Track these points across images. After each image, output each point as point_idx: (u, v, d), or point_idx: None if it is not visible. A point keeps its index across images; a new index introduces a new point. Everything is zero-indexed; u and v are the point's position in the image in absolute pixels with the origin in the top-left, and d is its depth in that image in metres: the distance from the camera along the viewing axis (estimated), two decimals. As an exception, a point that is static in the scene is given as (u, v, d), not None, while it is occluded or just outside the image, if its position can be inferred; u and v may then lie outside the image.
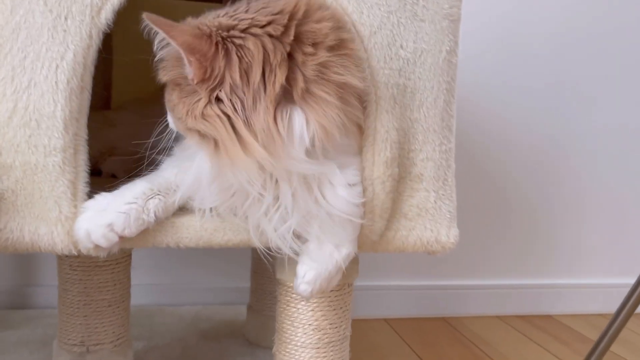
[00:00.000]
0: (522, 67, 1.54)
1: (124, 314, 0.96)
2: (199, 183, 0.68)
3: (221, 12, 0.65)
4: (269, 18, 0.62)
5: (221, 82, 0.61)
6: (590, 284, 1.66)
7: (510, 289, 1.61)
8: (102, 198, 0.67)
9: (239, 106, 0.61)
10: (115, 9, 0.67)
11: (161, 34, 0.61)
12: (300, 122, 0.62)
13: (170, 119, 0.69)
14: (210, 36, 0.61)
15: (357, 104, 0.67)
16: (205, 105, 0.61)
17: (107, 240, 0.65)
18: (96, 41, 0.67)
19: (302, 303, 0.79)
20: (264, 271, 1.19)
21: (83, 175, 0.68)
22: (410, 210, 0.76)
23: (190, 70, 0.61)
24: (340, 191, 0.69)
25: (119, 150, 1.07)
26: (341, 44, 0.64)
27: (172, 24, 0.61)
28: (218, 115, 0.61)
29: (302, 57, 0.61)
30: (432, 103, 0.75)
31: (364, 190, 0.73)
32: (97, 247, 0.66)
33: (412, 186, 0.76)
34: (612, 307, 1.08)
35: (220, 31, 0.61)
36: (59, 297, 0.94)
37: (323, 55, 0.61)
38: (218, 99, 0.61)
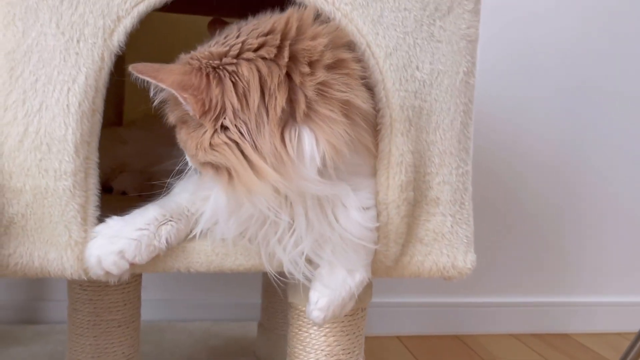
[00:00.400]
0: (535, 81, 1.52)
1: (134, 334, 0.95)
2: (216, 218, 0.67)
3: (212, 41, 0.65)
4: (261, 40, 0.61)
5: (223, 110, 0.60)
6: (609, 302, 1.63)
7: (525, 306, 1.58)
8: (113, 223, 0.66)
9: (244, 130, 0.60)
10: (128, 31, 0.66)
11: (150, 81, 0.61)
12: (309, 142, 0.61)
13: (187, 157, 0.69)
14: (200, 69, 0.61)
15: (364, 125, 0.66)
16: (212, 136, 0.61)
17: (118, 267, 0.64)
18: (108, 63, 0.66)
19: (314, 328, 0.78)
20: (275, 289, 1.17)
21: (93, 199, 0.67)
22: (427, 235, 0.75)
23: (189, 107, 0.61)
24: (354, 214, 0.68)
25: (129, 167, 1.06)
26: (341, 63, 0.63)
27: (158, 68, 0.61)
28: (226, 143, 0.60)
29: (299, 78, 0.60)
30: (449, 125, 0.73)
31: (378, 215, 0.71)
32: (107, 273, 0.65)
33: (428, 210, 0.74)
34: (631, 326, 1.05)
35: (210, 61, 0.61)
36: (69, 316, 0.93)
37: (322, 74, 0.61)
38: (224, 127, 0.61)
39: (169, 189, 0.74)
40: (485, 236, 1.52)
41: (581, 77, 1.54)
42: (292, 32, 0.62)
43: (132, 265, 0.65)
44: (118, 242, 0.64)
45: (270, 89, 0.60)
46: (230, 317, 1.43)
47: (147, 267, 0.68)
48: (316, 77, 0.61)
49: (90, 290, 0.90)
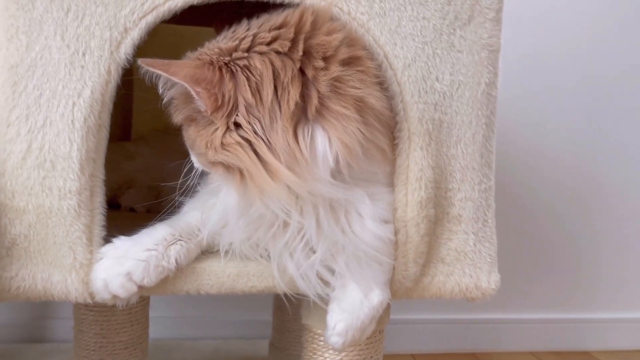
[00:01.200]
0: (549, 96, 1.49)
1: (141, 356, 0.92)
2: (226, 219, 0.65)
3: (219, 37, 0.63)
4: (274, 34, 0.59)
5: (235, 106, 0.58)
6: (630, 319, 1.58)
7: (544, 323, 1.54)
8: (120, 243, 0.63)
9: (258, 127, 0.58)
10: (136, 43, 0.63)
11: (161, 75, 0.59)
12: (322, 141, 0.59)
13: (193, 157, 0.66)
14: (211, 63, 0.59)
15: (378, 125, 0.63)
16: (224, 134, 0.59)
17: (126, 290, 0.61)
18: (115, 77, 0.64)
19: (330, 351, 0.74)
20: (287, 308, 1.14)
21: (99, 219, 0.64)
22: (448, 254, 0.71)
23: (201, 102, 0.59)
24: (369, 224, 0.65)
25: (138, 183, 1.04)
26: (356, 60, 0.61)
27: (169, 63, 0.59)
28: (238, 143, 0.58)
29: (313, 72, 0.58)
30: (471, 139, 0.70)
31: (397, 232, 0.68)
32: (114, 297, 0.62)
33: (450, 228, 0.71)
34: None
35: (221, 57, 0.59)
36: (74, 338, 0.90)
37: (336, 69, 0.58)
38: (236, 125, 0.59)
39: (178, 206, 0.71)
40: (501, 252, 1.48)
41: (597, 91, 1.51)
42: (307, 26, 0.60)
43: (140, 287, 0.62)
44: (125, 263, 0.61)
45: (283, 82, 0.58)
46: (240, 335, 1.39)
47: (155, 290, 0.64)
48: (330, 72, 0.58)
49: (97, 311, 0.87)
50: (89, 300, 0.64)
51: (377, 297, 0.67)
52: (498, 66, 0.72)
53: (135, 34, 0.63)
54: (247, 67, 0.58)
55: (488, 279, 0.73)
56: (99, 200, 0.64)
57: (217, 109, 0.58)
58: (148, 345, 0.94)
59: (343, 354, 0.73)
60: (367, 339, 0.74)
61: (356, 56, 0.61)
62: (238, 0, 0.65)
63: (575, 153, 1.52)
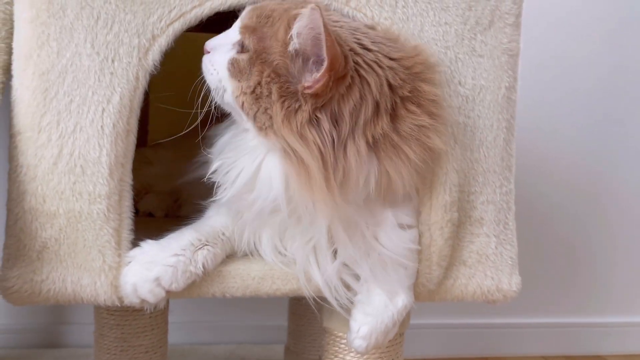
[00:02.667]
0: (566, 102, 1.49)
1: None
2: (254, 186, 0.62)
3: (350, 23, 0.61)
4: (391, 63, 0.59)
5: (329, 108, 0.58)
6: (643, 323, 1.57)
7: (556, 327, 1.53)
8: (149, 247, 0.64)
9: (334, 137, 0.58)
10: (163, 49, 0.65)
11: (320, 35, 0.55)
12: (373, 170, 0.59)
13: (230, 89, 0.62)
14: (346, 58, 0.57)
15: (430, 164, 0.65)
16: (306, 123, 0.57)
17: (154, 295, 0.62)
18: (143, 83, 0.65)
19: (352, 354, 0.74)
20: (303, 312, 1.14)
21: (127, 223, 0.65)
22: (470, 256, 0.72)
23: (311, 79, 0.57)
24: (394, 232, 0.65)
25: (155, 188, 1.05)
26: (442, 111, 0.62)
27: (332, 31, 0.56)
28: (315, 143, 0.57)
29: (404, 112, 0.59)
30: (492, 142, 0.71)
31: (421, 236, 0.69)
32: (143, 301, 0.62)
33: (472, 231, 0.71)
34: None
35: (352, 57, 0.58)
36: (95, 342, 0.91)
37: (424, 119, 0.60)
38: (317, 120, 0.58)
39: (201, 211, 0.72)
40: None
41: (614, 98, 1.51)
42: (417, 70, 0.61)
43: (168, 292, 0.62)
44: (154, 268, 0.61)
45: (380, 110, 0.58)
46: (255, 340, 1.39)
47: (182, 294, 0.65)
48: (418, 119, 0.60)
49: (118, 315, 0.88)
50: (117, 303, 0.65)
51: (401, 301, 0.68)
52: (517, 70, 0.73)
53: (162, 41, 0.64)
54: (364, 80, 0.58)
55: (509, 281, 0.73)
56: (127, 204, 0.65)
57: (316, 95, 0.57)
58: (167, 350, 0.95)
59: (365, 356, 0.74)
60: (389, 341, 0.75)
61: (440, 114, 0.63)
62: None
63: (590, 157, 1.52)
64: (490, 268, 0.73)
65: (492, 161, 0.71)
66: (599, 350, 1.55)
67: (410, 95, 0.60)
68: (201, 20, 0.66)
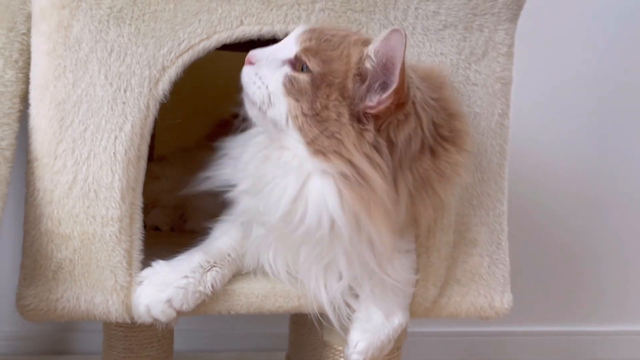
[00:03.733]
0: (563, 111, 1.51)
1: (167, 370, 0.96)
2: (293, 209, 0.61)
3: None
4: (434, 104, 0.62)
5: (386, 133, 0.59)
6: (638, 331, 1.60)
7: (556, 335, 1.55)
8: (160, 268, 0.67)
9: (390, 164, 0.60)
10: (172, 80, 0.68)
11: (395, 58, 0.57)
12: (404, 201, 0.62)
13: (275, 85, 0.62)
14: (409, 86, 0.59)
15: None
16: (372, 146, 0.58)
17: (166, 315, 0.65)
18: (153, 111, 0.68)
19: (350, 368, 0.77)
20: (304, 322, 1.17)
21: (138, 244, 0.68)
22: (464, 275, 0.75)
23: (375, 100, 0.58)
24: (395, 259, 0.68)
25: (162, 203, 1.07)
26: (471, 147, 0.66)
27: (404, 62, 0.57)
28: (379, 166, 0.58)
29: (442, 150, 0.62)
30: (486, 166, 0.74)
31: (418, 257, 0.72)
32: (155, 320, 0.66)
33: (466, 251, 0.75)
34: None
35: (410, 90, 0.60)
36: (104, 352, 0.94)
37: (457, 157, 0.63)
38: (378, 144, 0.59)
39: (206, 231, 0.75)
40: (514, 264, 1.50)
41: (610, 107, 1.53)
42: (452, 110, 0.65)
43: (178, 312, 0.66)
44: (166, 290, 0.64)
45: (425, 145, 0.61)
46: (258, 348, 1.42)
47: (191, 312, 0.68)
48: (453, 157, 0.63)
49: (126, 327, 0.90)
50: (128, 321, 0.68)
51: (397, 319, 0.71)
52: (510, 97, 0.76)
53: (172, 72, 0.67)
54: (419, 115, 0.60)
55: (501, 299, 0.77)
56: (138, 226, 0.69)
57: (378, 117, 0.58)
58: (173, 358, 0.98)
59: (363, 370, 0.77)
60: (386, 355, 0.78)
61: (470, 151, 0.67)
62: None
63: (585, 166, 1.52)
64: (483, 286, 0.76)
65: (486, 185, 0.75)
66: (593, 357, 1.57)
67: (449, 135, 0.63)
68: (209, 51, 0.69)
